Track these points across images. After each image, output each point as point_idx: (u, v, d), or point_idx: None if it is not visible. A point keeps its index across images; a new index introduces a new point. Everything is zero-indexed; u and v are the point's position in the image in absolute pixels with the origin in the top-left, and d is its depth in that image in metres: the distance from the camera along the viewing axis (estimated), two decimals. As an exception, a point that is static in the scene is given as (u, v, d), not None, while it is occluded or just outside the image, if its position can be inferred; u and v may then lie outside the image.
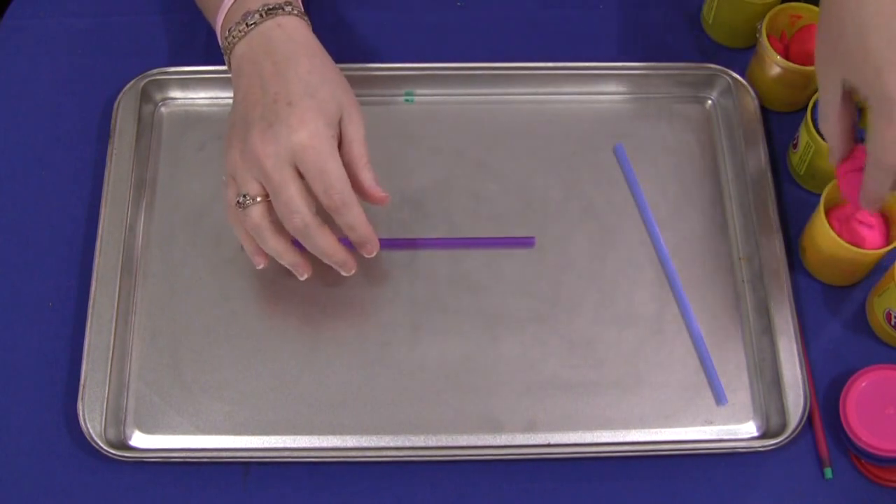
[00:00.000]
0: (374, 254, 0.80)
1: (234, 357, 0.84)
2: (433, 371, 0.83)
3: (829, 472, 0.80)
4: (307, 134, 0.73)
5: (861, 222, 0.82)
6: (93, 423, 0.80)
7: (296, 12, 0.78)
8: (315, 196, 0.74)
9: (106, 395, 0.81)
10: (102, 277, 0.85)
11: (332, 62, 0.78)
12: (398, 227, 0.88)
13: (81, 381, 0.81)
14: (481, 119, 0.93)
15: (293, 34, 0.77)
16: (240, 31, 0.77)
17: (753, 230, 0.87)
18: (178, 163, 0.92)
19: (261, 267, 0.80)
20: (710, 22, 0.97)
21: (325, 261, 0.78)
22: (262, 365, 0.83)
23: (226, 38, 0.78)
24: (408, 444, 0.81)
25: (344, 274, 0.79)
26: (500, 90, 0.94)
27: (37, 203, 0.91)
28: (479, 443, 0.81)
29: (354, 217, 0.76)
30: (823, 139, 0.85)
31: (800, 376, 0.81)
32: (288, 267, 0.79)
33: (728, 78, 0.93)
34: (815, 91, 0.88)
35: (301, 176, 0.74)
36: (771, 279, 0.85)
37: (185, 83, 0.94)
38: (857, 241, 0.82)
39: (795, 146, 0.90)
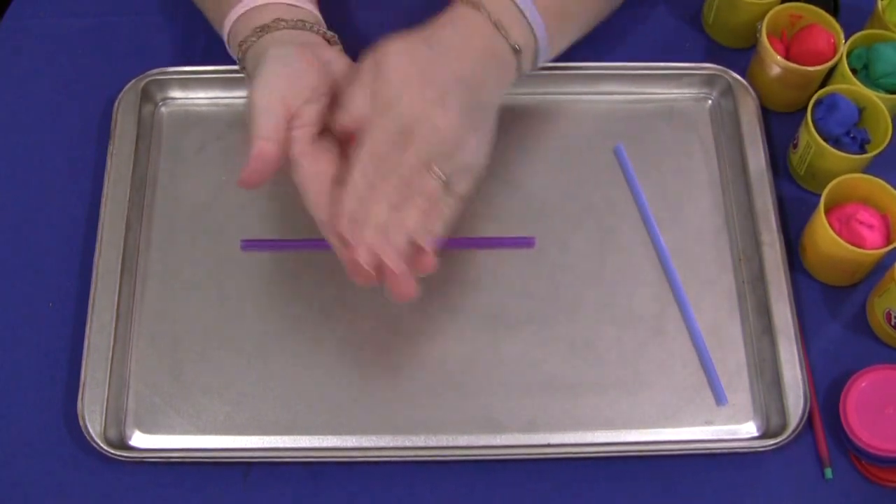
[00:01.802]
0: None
1: (234, 357, 0.84)
2: (433, 371, 0.83)
3: (829, 473, 0.80)
4: None
5: (861, 222, 0.82)
6: (93, 423, 0.80)
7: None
8: None
9: (106, 395, 0.81)
10: (102, 277, 0.85)
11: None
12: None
13: (81, 381, 0.81)
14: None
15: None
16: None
17: (753, 230, 0.87)
18: (178, 163, 0.92)
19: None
20: (710, 22, 0.97)
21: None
22: (262, 365, 0.83)
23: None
24: (408, 444, 0.81)
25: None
26: (500, 90, 0.94)
27: (37, 203, 0.91)
28: (479, 443, 0.81)
29: None
30: (823, 139, 0.86)
31: (800, 376, 0.81)
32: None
33: (728, 78, 0.93)
34: (816, 91, 0.88)
35: None
36: (771, 279, 0.85)
37: (185, 83, 0.94)
38: (857, 241, 0.82)
39: (795, 146, 0.90)
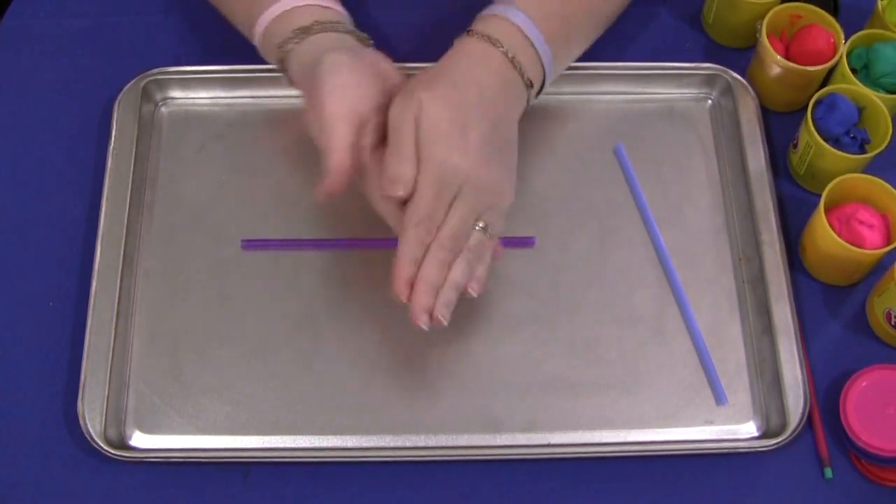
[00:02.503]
0: None
1: (234, 357, 0.84)
2: (433, 371, 0.83)
3: (829, 472, 0.80)
4: None
5: (861, 222, 0.82)
6: (93, 422, 0.80)
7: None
8: None
9: (106, 395, 0.81)
10: (102, 277, 0.85)
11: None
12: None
13: (81, 381, 0.81)
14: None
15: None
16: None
17: (753, 230, 0.87)
18: (178, 163, 0.92)
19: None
20: (710, 22, 0.97)
21: None
22: (262, 365, 0.83)
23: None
24: (408, 444, 0.81)
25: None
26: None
27: (37, 203, 0.91)
28: (480, 443, 0.81)
29: None
30: (823, 139, 0.86)
31: (800, 376, 0.81)
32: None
33: (728, 78, 0.93)
34: (816, 91, 0.88)
35: None
36: (771, 279, 0.85)
37: (186, 83, 0.94)
38: (857, 241, 0.82)
39: (795, 146, 0.90)
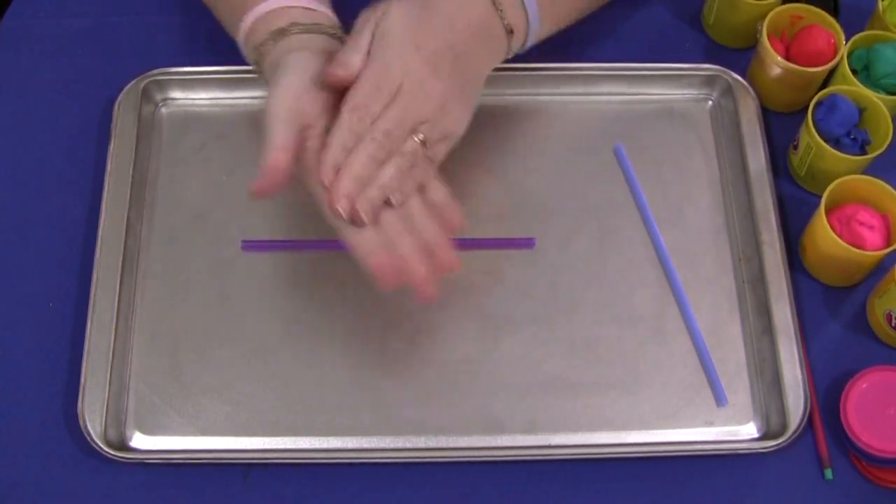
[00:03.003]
0: None
1: (235, 358, 0.84)
2: (433, 372, 0.83)
3: (829, 473, 0.80)
4: None
5: (861, 223, 0.82)
6: (93, 423, 0.80)
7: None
8: None
9: (106, 396, 0.81)
10: (102, 277, 0.85)
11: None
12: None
13: (81, 382, 0.81)
14: (481, 120, 0.93)
15: None
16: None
17: (753, 230, 0.87)
18: (178, 163, 0.92)
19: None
20: (710, 22, 0.97)
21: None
22: (262, 366, 0.83)
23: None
24: (408, 445, 0.81)
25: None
26: (500, 91, 0.94)
27: (37, 203, 0.91)
28: (480, 444, 0.81)
29: None
30: (824, 140, 0.86)
31: (800, 377, 0.81)
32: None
33: (728, 78, 0.93)
34: (816, 92, 0.88)
35: None
36: (771, 279, 0.85)
37: (185, 83, 0.94)
38: (857, 242, 0.82)
39: (796, 147, 0.90)
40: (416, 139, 0.73)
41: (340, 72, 0.73)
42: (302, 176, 0.75)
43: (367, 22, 0.75)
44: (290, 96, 0.74)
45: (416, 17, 0.74)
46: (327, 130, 0.74)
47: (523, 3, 0.79)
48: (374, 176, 0.73)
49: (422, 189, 0.76)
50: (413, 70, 0.73)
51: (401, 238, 0.74)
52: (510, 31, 0.79)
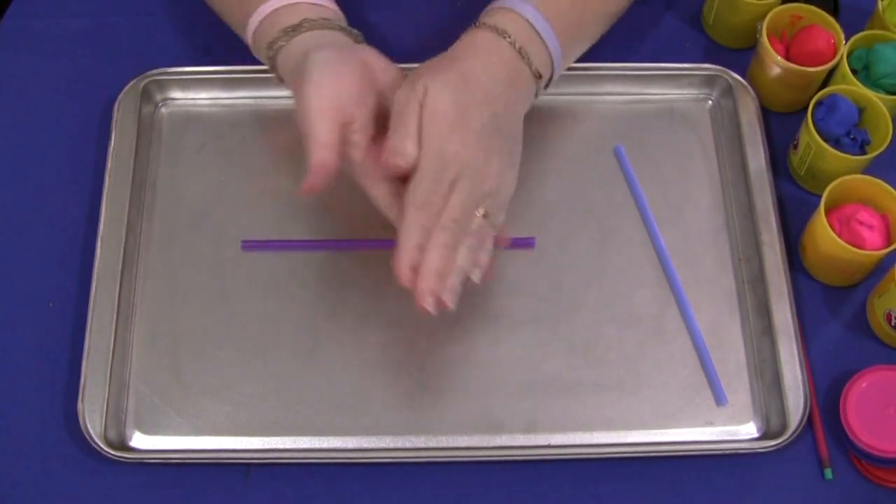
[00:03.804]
0: None
1: (235, 358, 0.84)
2: (433, 371, 0.83)
3: (829, 473, 0.80)
4: None
5: (861, 223, 0.82)
6: (93, 423, 0.80)
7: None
8: None
9: (106, 396, 0.81)
10: (102, 277, 0.85)
11: None
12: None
13: (81, 382, 0.81)
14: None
15: None
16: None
17: (753, 230, 0.87)
18: (178, 163, 0.92)
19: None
20: (710, 22, 0.97)
21: None
22: (262, 365, 0.83)
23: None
24: (408, 444, 0.81)
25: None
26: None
27: (37, 203, 0.91)
28: (480, 443, 0.81)
29: None
30: (824, 140, 0.86)
31: (800, 377, 0.81)
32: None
33: (728, 78, 0.93)
34: (816, 92, 0.88)
35: None
36: (771, 279, 0.85)
37: (185, 83, 0.94)
38: (857, 242, 0.82)
39: (796, 147, 0.90)
40: (481, 217, 0.74)
41: (400, 161, 0.73)
42: (348, 170, 0.76)
43: (409, 103, 0.73)
44: (328, 93, 0.74)
45: (460, 91, 0.74)
46: (370, 123, 0.75)
47: (546, 46, 0.79)
48: (451, 263, 0.73)
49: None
50: (468, 153, 0.73)
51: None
52: (538, 76, 0.79)
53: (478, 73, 0.75)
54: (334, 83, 0.74)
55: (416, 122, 0.73)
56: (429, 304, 0.73)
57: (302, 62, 0.76)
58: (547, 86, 0.82)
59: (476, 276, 0.75)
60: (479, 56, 0.76)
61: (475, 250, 0.75)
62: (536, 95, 0.81)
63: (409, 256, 0.72)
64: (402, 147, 0.73)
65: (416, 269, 0.73)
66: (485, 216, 0.74)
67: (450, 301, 0.73)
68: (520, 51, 0.77)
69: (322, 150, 0.73)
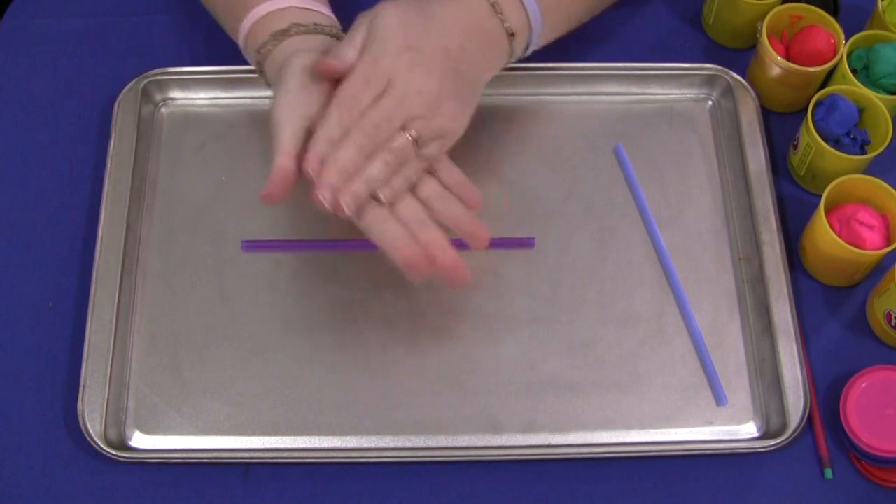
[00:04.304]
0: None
1: (234, 357, 0.84)
2: (433, 371, 0.83)
3: (829, 473, 0.80)
4: None
5: (861, 223, 0.82)
6: (93, 423, 0.80)
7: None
8: None
9: (106, 396, 0.81)
10: (102, 277, 0.85)
11: None
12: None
13: (81, 382, 0.81)
14: (481, 120, 0.93)
15: None
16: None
17: (753, 230, 0.87)
18: (178, 163, 0.92)
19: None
20: (710, 22, 0.97)
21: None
22: (262, 365, 0.83)
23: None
24: (408, 444, 0.81)
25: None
26: (500, 91, 0.94)
27: (37, 203, 0.91)
28: (479, 443, 0.81)
29: None
30: (824, 140, 0.86)
31: (800, 377, 0.81)
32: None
33: (728, 78, 0.93)
34: (816, 92, 0.88)
35: None
36: (771, 279, 0.85)
37: (185, 83, 0.94)
38: (857, 242, 0.82)
39: (795, 147, 0.90)
40: (406, 136, 0.73)
41: (333, 62, 0.73)
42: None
43: (363, 20, 0.75)
44: (292, 100, 0.74)
45: (411, 18, 0.75)
46: None
47: (524, 6, 0.79)
48: (361, 169, 0.73)
49: (434, 173, 0.76)
50: (404, 67, 0.73)
51: (423, 227, 0.74)
52: (511, 34, 0.79)
53: (438, 11, 0.76)
54: (302, 91, 0.74)
55: (363, 36, 0.74)
56: (325, 199, 0.72)
57: (281, 68, 0.76)
58: (526, 50, 0.82)
59: (384, 195, 0.73)
60: (445, 4, 0.77)
61: (392, 168, 0.73)
62: (513, 56, 0.81)
63: (319, 147, 0.72)
64: (340, 51, 0.73)
65: (323, 162, 0.72)
66: (415, 141, 0.73)
67: (347, 206, 0.72)
68: (493, 5, 0.78)
69: (281, 157, 0.73)
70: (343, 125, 0.72)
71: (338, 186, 0.72)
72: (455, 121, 0.76)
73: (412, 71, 0.73)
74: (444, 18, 0.76)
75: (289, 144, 0.73)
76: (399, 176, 0.74)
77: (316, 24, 0.80)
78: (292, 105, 0.74)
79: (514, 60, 0.82)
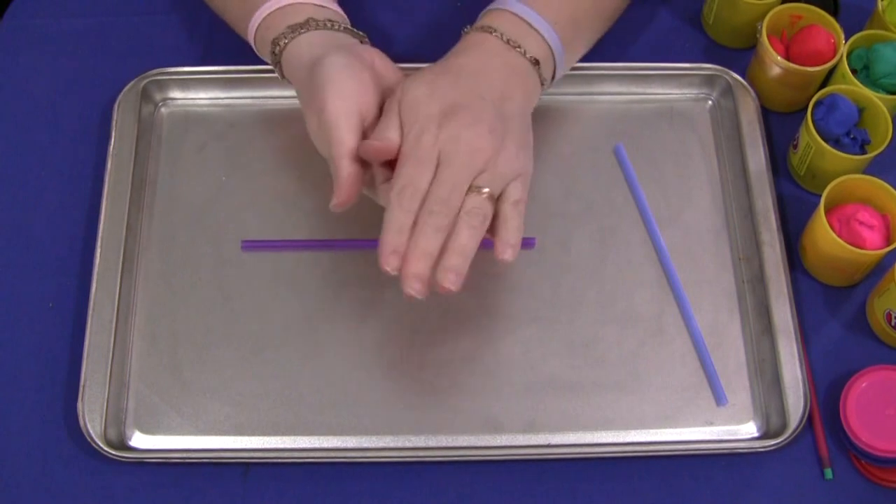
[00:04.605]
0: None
1: (234, 357, 0.84)
2: (433, 371, 0.83)
3: (829, 473, 0.80)
4: None
5: (861, 223, 0.82)
6: (93, 423, 0.80)
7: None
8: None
9: (106, 396, 0.81)
10: (102, 277, 0.85)
11: None
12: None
13: (81, 382, 0.81)
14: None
15: None
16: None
17: (753, 230, 0.87)
18: (178, 163, 0.92)
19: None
20: (710, 22, 0.97)
21: None
22: (262, 365, 0.83)
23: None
24: (408, 444, 0.81)
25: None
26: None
27: (37, 203, 0.91)
28: (479, 443, 0.81)
29: None
30: (824, 140, 0.86)
31: (800, 377, 0.81)
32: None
33: (728, 78, 0.93)
34: (816, 92, 0.88)
35: None
36: (771, 279, 0.85)
37: (185, 83, 0.94)
38: (857, 242, 0.82)
39: (795, 146, 0.90)
40: (478, 195, 0.72)
41: (378, 144, 0.72)
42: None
43: (392, 103, 0.74)
44: (350, 101, 0.73)
45: (437, 81, 0.74)
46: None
47: (541, 35, 0.79)
48: (450, 244, 0.71)
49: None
50: (449, 135, 0.71)
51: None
52: (535, 62, 0.79)
53: (461, 63, 0.76)
54: (356, 90, 0.74)
55: (396, 115, 0.73)
56: (413, 289, 0.70)
57: (314, 65, 0.76)
58: (554, 75, 0.82)
59: (507, 255, 0.72)
60: (462, 53, 0.77)
61: (479, 230, 0.72)
62: (543, 84, 0.80)
63: (391, 240, 0.70)
64: (383, 133, 0.72)
65: (399, 254, 0.70)
66: (490, 196, 0.72)
67: (451, 283, 0.70)
68: (508, 42, 0.77)
69: (347, 162, 0.72)
70: (408, 211, 0.70)
71: (423, 273, 0.70)
72: (519, 160, 0.75)
73: (459, 135, 0.72)
74: (469, 68, 0.76)
75: (350, 142, 0.72)
76: (516, 230, 0.73)
77: (330, 21, 0.80)
78: (347, 104, 0.73)
79: (548, 87, 0.82)
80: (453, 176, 0.71)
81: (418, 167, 0.71)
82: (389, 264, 0.70)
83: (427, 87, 0.74)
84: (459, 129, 0.72)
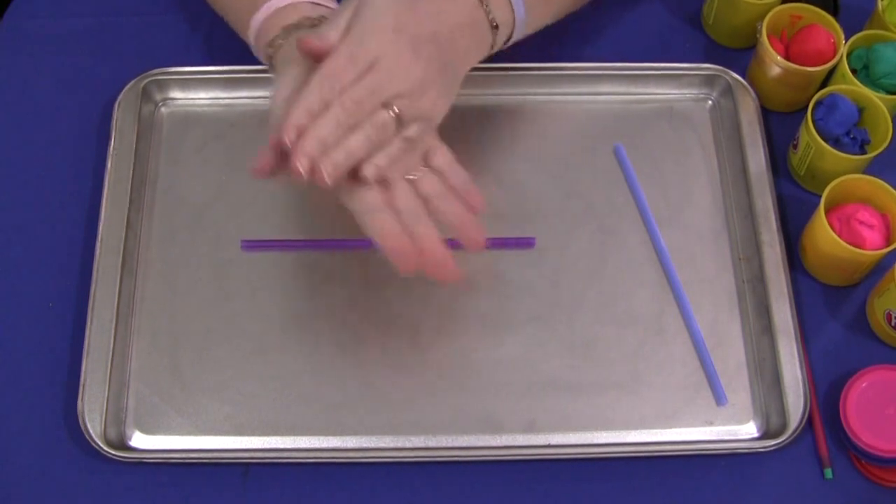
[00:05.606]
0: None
1: (234, 357, 0.84)
2: (433, 371, 0.83)
3: (829, 473, 0.80)
4: None
5: (861, 222, 0.82)
6: (93, 423, 0.80)
7: None
8: None
9: (106, 396, 0.81)
10: (102, 277, 0.85)
11: None
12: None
13: (81, 381, 0.81)
14: (481, 120, 0.93)
15: None
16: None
17: (753, 230, 0.87)
18: (178, 163, 0.92)
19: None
20: (710, 22, 0.97)
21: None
22: (262, 365, 0.83)
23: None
24: (408, 444, 0.81)
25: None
26: (500, 91, 0.94)
27: (37, 203, 0.91)
28: (479, 443, 0.81)
29: None
30: (823, 139, 0.86)
31: (800, 376, 0.81)
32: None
33: (728, 78, 0.93)
34: (816, 92, 0.88)
35: None
36: (771, 279, 0.85)
37: (185, 83, 0.94)
38: (857, 242, 0.82)
39: (795, 146, 0.90)
40: (389, 112, 0.72)
41: (314, 40, 0.72)
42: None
43: (347, 4, 0.74)
44: (294, 84, 0.73)
45: (401, 5, 0.74)
46: None
47: (510, 1, 0.79)
48: (342, 140, 0.71)
49: (440, 174, 0.75)
50: (392, 47, 0.72)
51: (417, 220, 0.73)
52: (495, 27, 0.79)
53: (427, 2, 0.75)
54: (297, 80, 0.73)
55: (347, 16, 0.73)
56: (302, 165, 0.70)
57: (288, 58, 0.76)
58: (506, 42, 0.82)
59: (368, 172, 0.72)
60: None
61: (373, 142, 0.72)
62: (494, 48, 0.80)
63: (296, 117, 0.70)
64: (323, 30, 0.72)
65: (299, 131, 0.70)
66: (397, 118, 0.72)
67: (327, 174, 0.70)
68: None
69: (275, 132, 0.72)
70: (324, 100, 0.71)
71: (316, 156, 0.70)
72: (437, 106, 0.75)
73: (400, 52, 0.72)
74: (435, 6, 0.75)
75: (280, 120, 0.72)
76: (384, 155, 0.73)
77: (322, 18, 0.80)
78: (288, 88, 0.73)
79: (494, 53, 0.81)
80: (376, 84, 0.71)
81: (349, 63, 0.71)
82: (288, 136, 0.70)
83: (388, 5, 0.73)
84: (402, 48, 0.72)
